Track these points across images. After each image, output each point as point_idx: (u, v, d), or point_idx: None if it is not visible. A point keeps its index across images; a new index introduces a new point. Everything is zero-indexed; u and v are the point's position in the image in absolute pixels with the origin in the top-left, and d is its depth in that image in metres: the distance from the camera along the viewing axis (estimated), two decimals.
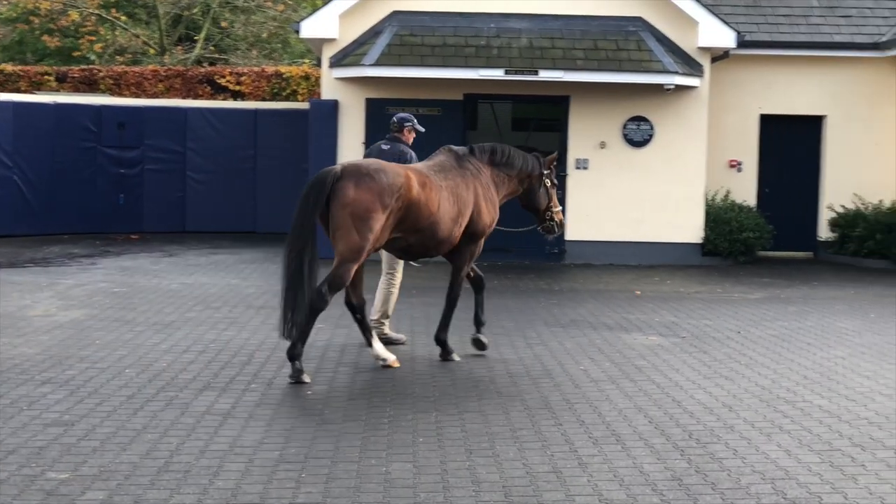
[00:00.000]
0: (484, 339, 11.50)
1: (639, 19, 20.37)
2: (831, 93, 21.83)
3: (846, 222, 21.28)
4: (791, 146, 22.20)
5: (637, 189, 20.55)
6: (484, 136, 21.27)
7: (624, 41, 20.12)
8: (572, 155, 20.65)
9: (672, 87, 19.93)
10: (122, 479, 7.04)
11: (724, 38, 20.29)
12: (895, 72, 21.61)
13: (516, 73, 19.62)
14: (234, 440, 8.00)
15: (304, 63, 30.77)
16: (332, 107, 20.47)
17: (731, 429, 8.40)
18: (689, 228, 20.70)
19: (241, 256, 20.49)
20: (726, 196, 21.36)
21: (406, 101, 20.41)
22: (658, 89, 20.25)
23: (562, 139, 20.74)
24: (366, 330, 10.80)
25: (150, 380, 9.92)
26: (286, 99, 26.17)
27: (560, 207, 11.98)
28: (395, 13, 20.38)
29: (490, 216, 11.09)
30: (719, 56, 20.94)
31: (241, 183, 24.46)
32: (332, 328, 12.85)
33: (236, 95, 26.58)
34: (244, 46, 36.76)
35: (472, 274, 11.45)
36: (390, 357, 10.76)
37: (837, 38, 21.62)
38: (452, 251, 11.05)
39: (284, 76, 26.71)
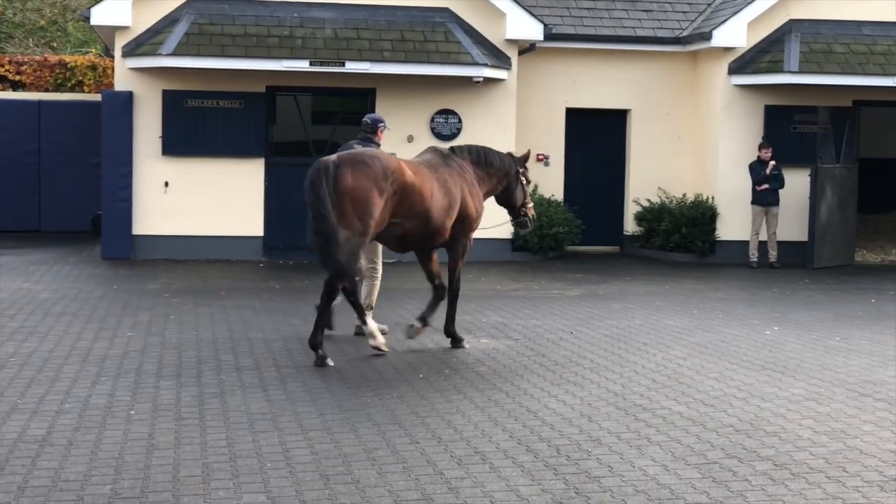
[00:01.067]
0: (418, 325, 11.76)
1: (445, 10, 19.90)
2: (635, 87, 21.83)
3: (652, 216, 21.30)
4: (597, 140, 22.13)
5: None
6: (288, 130, 20.51)
7: (431, 32, 19.62)
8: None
9: (481, 79, 19.55)
10: None
11: (531, 30, 20.02)
12: (696, 66, 21.75)
13: (322, 64, 18.90)
14: (57, 473, 7.11)
15: (90, 52, 29.21)
16: (126, 99, 19.31)
17: (597, 442, 7.93)
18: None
19: (29, 258, 19.14)
20: (534, 190, 21.10)
21: (206, 93, 19.48)
22: (466, 82, 19.84)
23: None
24: (359, 310, 11.11)
25: None
26: (71, 90, 24.72)
27: (532, 203, 12.68)
28: (192, 0, 19.37)
29: (476, 210, 11.63)
30: (526, 49, 20.66)
31: (25, 179, 22.96)
32: (144, 335, 11.95)
33: (16, 86, 24.97)
34: (20, 34, 34.84)
35: (437, 280, 11.83)
36: (381, 339, 10.97)
37: (640, 32, 21.64)
38: (447, 247, 11.62)
39: (69, 66, 25.24)
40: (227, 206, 19.59)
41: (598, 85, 21.76)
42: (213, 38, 18.91)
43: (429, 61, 19.23)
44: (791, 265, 20.07)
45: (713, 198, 20.92)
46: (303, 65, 18.83)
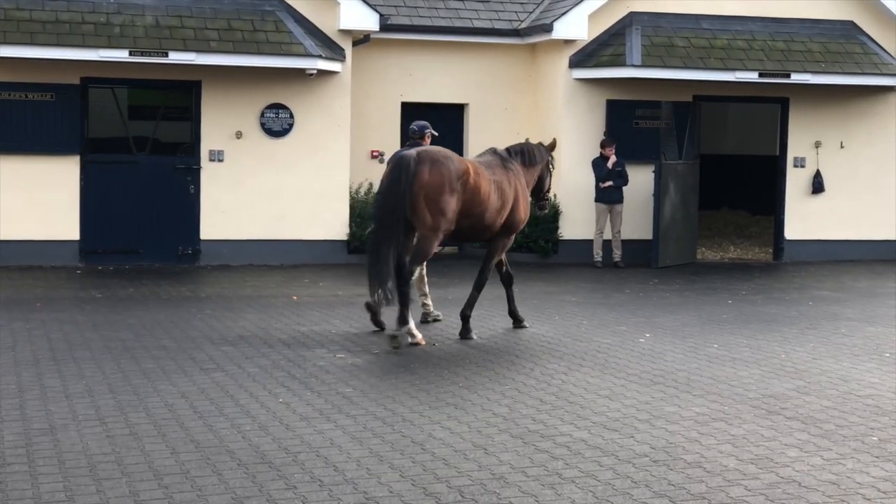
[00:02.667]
0: (525, 323, 12.82)
1: None
2: (473, 80, 20.97)
3: None
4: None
5: (277, 182, 18.90)
6: (105, 125, 19.01)
7: (261, 21, 18.38)
8: (205, 146, 18.68)
9: (314, 72, 18.42)
10: None
11: (366, 20, 18.97)
12: (535, 60, 21.03)
13: (143, 54, 17.46)
14: None
15: None
16: None
17: (503, 480, 6.92)
18: (334, 225, 19.26)
19: None
20: (370, 189, 20.06)
21: (13, 84, 17.85)
22: (298, 75, 18.67)
23: (194, 129, 18.73)
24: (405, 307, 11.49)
25: None
26: None
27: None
28: None
29: (525, 213, 12.38)
30: (360, 40, 19.60)
31: None
32: None
33: None
34: None
35: (503, 269, 12.70)
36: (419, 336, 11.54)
37: (477, 24, 20.76)
38: (490, 241, 12.36)
39: None
40: (39, 208, 17.98)
41: (434, 78, 20.82)
42: (20, 25, 17.28)
43: (258, 52, 18.00)
44: (636, 264, 19.51)
45: (555, 196, 20.20)
46: (121, 55, 17.36)
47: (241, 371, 10.17)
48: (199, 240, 18.64)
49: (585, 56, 19.97)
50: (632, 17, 20.11)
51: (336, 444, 7.71)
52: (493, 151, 12.51)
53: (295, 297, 15.16)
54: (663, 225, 19.54)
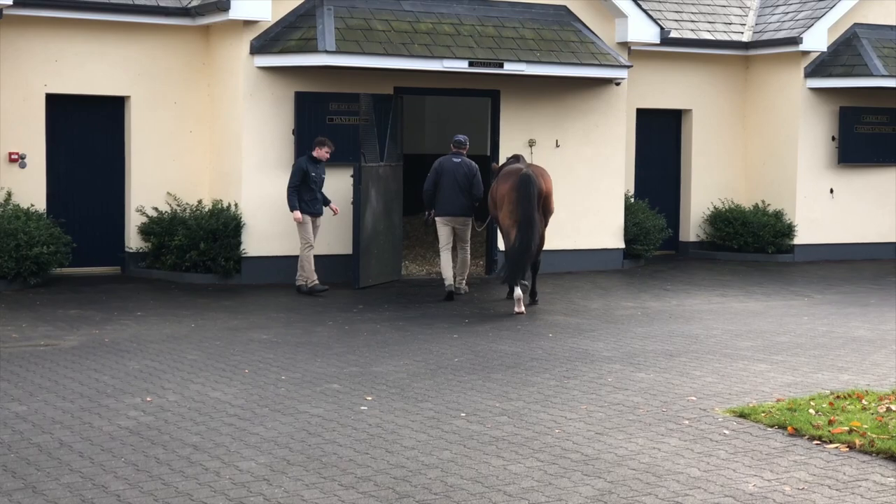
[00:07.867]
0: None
1: None
2: (135, 68, 17.44)
3: (162, 229, 17.10)
4: (88, 135, 17.59)
5: None
6: None
7: None
8: None
9: None
10: None
11: None
12: (210, 44, 17.78)
13: None
14: None
15: None
16: None
17: None
18: None
19: None
20: (8, 199, 16.35)
21: None
22: None
23: None
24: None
25: None
26: None
27: None
28: None
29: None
30: None
31: None
32: None
33: None
34: None
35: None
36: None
37: (140, 0, 17.32)
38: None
39: None
40: None
41: (87, 65, 17.21)
42: None
43: None
44: (335, 284, 16.63)
45: (237, 205, 17.06)
46: None
47: None
48: None
49: (270, 40, 16.92)
50: None
51: None
52: (520, 156, 15.94)
53: None
54: (364, 238, 16.73)
